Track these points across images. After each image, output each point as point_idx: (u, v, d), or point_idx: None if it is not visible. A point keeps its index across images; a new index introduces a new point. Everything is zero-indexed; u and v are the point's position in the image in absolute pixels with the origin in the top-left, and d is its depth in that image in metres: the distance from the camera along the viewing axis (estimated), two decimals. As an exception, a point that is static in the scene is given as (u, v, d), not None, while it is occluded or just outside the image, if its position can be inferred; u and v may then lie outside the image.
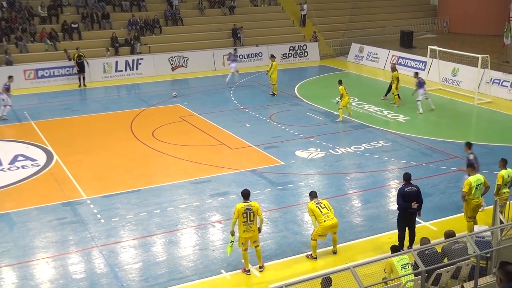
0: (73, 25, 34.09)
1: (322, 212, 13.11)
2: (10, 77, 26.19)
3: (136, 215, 15.71)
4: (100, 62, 32.85)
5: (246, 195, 12.85)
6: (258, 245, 12.90)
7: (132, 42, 34.31)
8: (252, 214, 12.58)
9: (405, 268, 10.69)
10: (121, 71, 33.26)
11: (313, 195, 13.59)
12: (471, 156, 15.41)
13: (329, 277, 9.82)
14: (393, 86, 26.34)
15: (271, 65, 28.30)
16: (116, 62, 33.20)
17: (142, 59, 33.81)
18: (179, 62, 34.59)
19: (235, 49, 33.19)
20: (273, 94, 28.33)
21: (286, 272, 12.85)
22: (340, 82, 24.86)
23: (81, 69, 31.13)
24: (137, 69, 33.63)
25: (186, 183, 17.96)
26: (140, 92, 30.53)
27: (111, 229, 14.94)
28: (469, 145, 15.83)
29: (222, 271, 12.95)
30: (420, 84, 25.37)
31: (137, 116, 25.09)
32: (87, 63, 31.30)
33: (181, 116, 24.93)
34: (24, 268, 13.16)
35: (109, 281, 12.55)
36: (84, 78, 31.22)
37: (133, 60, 33.58)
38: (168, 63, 34.35)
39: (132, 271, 13.05)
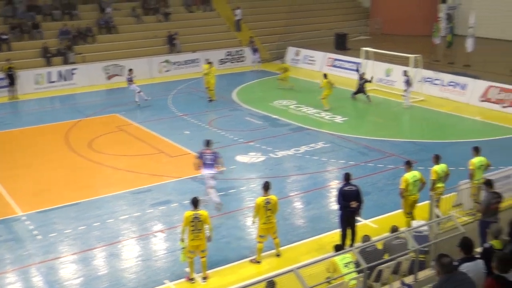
0: (2, 36, 33.00)
1: (266, 214, 13.17)
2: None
3: (75, 229, 15.32)
4: (32, 74, 31.91)
5: (195, 203, 12.64)
6: (205, 256, 12.76)
7: (64, 52, 33.52)
8: (200, 223, 12.44)
9: (348, 267, 10.85)
10: (54, 82, 32.42)
11: (266, 187, 13.43)
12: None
13: (273, 280, 9.84)
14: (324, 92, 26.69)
15: (210, 69, 28.19)
16: (49, 73, 32.34)
17: (76, 69, 33.06)
18: (114, 70, 34.04)
19: (130, 70, 29.93)
20: (211, 100, 28.26)
21: (230, 278, 12.83)
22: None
23: (12, 81, 30.18)
24: (71, 79, 32.87)
25: (126, 193, 17.66)
26: (76, 103, 29.84)
27: (49, 245, 14.51)
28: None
29: (166, 281, 12.79)
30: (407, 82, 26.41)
31: (73, 127, 24.52)
32: (15, 76, 30.22)
33: (118, 125, 24.52)
34: (-43, 291, 12.63)
35: (48, 299, 12.20)
36: (15, 91, 30.25)
37: (66, 70, 32.80)
38: (103, 72, 33.75)
39: (72, 287, 12.71)
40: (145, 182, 18.46)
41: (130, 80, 28.03)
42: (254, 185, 18.10)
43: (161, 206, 16.60)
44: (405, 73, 26.73)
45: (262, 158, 20.27)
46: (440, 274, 6.78)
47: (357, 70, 28.93)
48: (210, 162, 16.06)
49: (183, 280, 12.78)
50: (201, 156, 16.18)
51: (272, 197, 13.33)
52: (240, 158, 20.32)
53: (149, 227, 15.45)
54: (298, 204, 16.87)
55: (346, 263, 10.94)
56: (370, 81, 27.95)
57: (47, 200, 17.26)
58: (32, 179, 18.94)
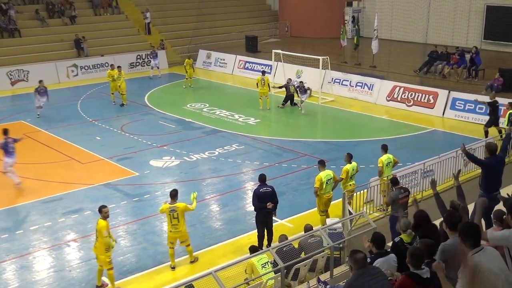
0: None
1: (171, 222, 13.11)
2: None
3: (-19, 242, 14.62)
4: None
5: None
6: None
7: (-36, 56, 31.89)
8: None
9: (265, 267, 10.99)
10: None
11: (172, 195, 13.26)
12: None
13: (191, 284, 9.83)
14: None
15: (120, 74, 27.75)
16: None
17: (-23, 74, 31.55)
18: (19, 76, 32.70)
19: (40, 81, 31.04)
20: (122, 105, 27.77)
21: (148, 284, 12.69)
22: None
23: None
24: (-29, 85, 31.33)
25: (35, 203, 17.04)
26: (-23, 110, 28.41)
27: (-47, 260, 13.76)
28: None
29: (82, 291, 12.46)
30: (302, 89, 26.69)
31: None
32: None
33: (25, 133, 23.54)
34: None
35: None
36: None
37: (-34, 76, 31.24)
38: (7, 78, 32.34)
39: (-19, 303, 12.14)
40: (55, 190, 17.89)
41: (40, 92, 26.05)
42: (169, 189, 17.80)
43: (73, 215, 16.14)
44: (300, 83, 27.25)
45: (177, 162, 20.15)
46: (354, 269, 7.01)
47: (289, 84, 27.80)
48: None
49: (99, 289, 12.49)
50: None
51: (179, 204, 13.07)
52: (154, 163, 20.10)
53: (61, 237, 14.97)
54: (214, 207, 16.89)
55: (263, 264, 11.08)
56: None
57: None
58: None
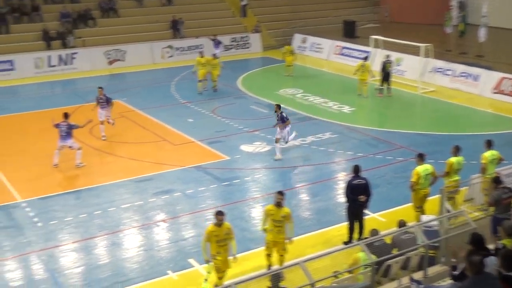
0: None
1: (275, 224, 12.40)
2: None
3: (76, 217, 15.40)
4: (31, 57, 31.93)
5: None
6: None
7: (64, 35, 33.47)
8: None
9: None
10: (55, 66, 32.44)
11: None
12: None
13: (279, 273, 9.90)
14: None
15: (216, 61, 27.84)
16: (49, 57, 32.35)
17: (76, 53, 33.06)
18: (116, 55, 34.02)
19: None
20: (215, 90, 27.96)
21: (234, 270, 12.83)
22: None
23: None
24: (71, 63, 32.88)
25: (127, 181, 17.72)
26: (76, 88, 29.85)
27: (49, 232, 14.59)
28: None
29: (169, 271, 12.85)
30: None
31: (73, 113, 24.45)
32: None
33: (120, 112, 24.51)
34: (-45, 278, 12.71)
35: (48, 287, 12.28)
36: None
37: (66, 55, 32.80)
38: (105, 57, 33.73)
39: (73, 275, 12.80)
40: (147, 170, 18.51)
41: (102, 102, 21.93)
42: (259, 175, 18.16)
43: (164, 195, 16.66)
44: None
45: (268, 148, 20.29)
46: (469, 272, 6.64)
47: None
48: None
49: (187, 270, 12.83)
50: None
51: (285, 210, 12.35)
52: (245, 148, 20.35)
53: (151, 216, 15.51)
54: (304, 196, 16.91)
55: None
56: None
57: (46, 187, 17.33)
58: (31, 165, 18.99)
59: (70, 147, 18.50)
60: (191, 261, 13.07)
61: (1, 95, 28.45)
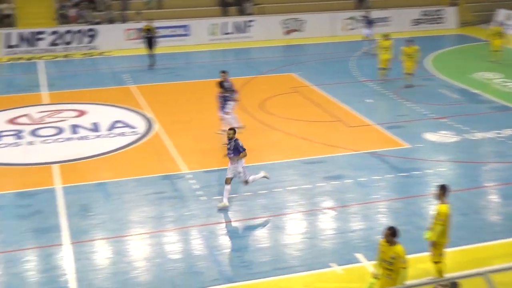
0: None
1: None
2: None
3: (240, 194, 15.97)
4: (206, 23, 33.52)
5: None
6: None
7: (242, 1, 34.63)
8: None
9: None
10: (229, 33, 33.78)
11: (446, 190, 11.63)
12: None
13: (456, 282, 9.56)
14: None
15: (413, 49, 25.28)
16: (224, 24, 33.73)
17: (253, 21, 34.13)
18: (294, 25, 34.57)
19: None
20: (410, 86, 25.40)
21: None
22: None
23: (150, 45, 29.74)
24: (247, 32, 34.01)
25: (296, 162, 18.05)
26: (250, 58, 30.91)
27: (212, 208, 15.30)
28: None
29: (333, 264, 12.89)
30: None
31: (245, 85, 25.42)
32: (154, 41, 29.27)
33: (293, 86, 24.98)
34: (118, 243, 13.85)
35: (207, 265, 12.89)
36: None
37: (243, 22, 33.97)
38: (281, 26, 34.42)
39: (233, 256, 13.36)
40: (317, 151, 18.70)
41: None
42: (443, 168, 17.60)
43: (333, 181, 16.74)
44: None
45: (455, 139, 19.55)
46: None
47: None
48: None
49: (353, 265, 12.81)
50: None
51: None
52: (428, 136, 19.78)
53: (318, 202, 15.67)
54: (494, 197, 16.11)
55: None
56: None
57: (212, 159, 18.15)
58: (197, 135, 20.03)
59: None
60: (359, 256, 13.02)
61: (175, 60, 30.32)
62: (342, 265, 12.84)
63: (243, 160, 15.20)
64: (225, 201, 15.17)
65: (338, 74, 26.96)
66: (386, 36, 25.88)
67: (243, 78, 26.29)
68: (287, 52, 31.68)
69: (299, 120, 21.36)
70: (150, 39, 28.61)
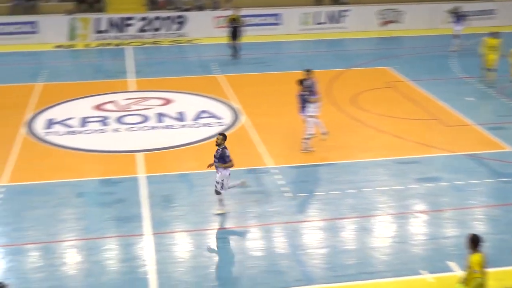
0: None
1: None
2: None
3: (327, 192, 15.88)
4: (298, 12, 33.39)
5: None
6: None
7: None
8: None
9: None
10: (322, 23, 33.52)
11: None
12: None
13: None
14: None
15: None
16: (317, 13, 33.51)
17: (348, 10, 33.70)
18: (391, 16, 33.92)
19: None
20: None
21: (493, 285, 11.95)
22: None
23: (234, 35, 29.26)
24: (341, 22, 33.65)
25: (387, 161, 17.75)
26: (343, 50, 30.61)
27: (297, 205, 15.25)
28: None
29: (423, 271, 12.54)
30: None
31: (337, 78, 25.18)
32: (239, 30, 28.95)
33: (388, 81, 24.54)
34: (200, 237, 13.99)
35: (290, 264, 12.83)
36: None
37: (337, 12, 33.62)
38: (376, 17, 33.84)
39: (317, 256, 13.22)
40: (411, 151, 18.34)
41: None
42: (550, 175, 16.85)
43: (427, 183, 16.33)
44: None
45: None
46: None
47: None
48: None
49: (444, 274, 12.42)
50: None
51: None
52: (534, 139, 19.02)
53: (410, 205, 15.36)
54: None
55: None
56: None
57: (299, 155, 18.09)
58: (285, 129, 19.97)
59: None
60: (451, 264, 12.61)
61: (266, 49, 30.41)
62: (434, 273, 12.49)
63: (227, 171, 14.37)
64: (221, 207, 14.70)
65: (437, 70, 26.30)
66: (494, 34, 24.53)
67: (335, 71, 26.08)
68: (382, 45, 31.15)
69: (393, 117, 20.95)
70: (235, 29, 28.51)
